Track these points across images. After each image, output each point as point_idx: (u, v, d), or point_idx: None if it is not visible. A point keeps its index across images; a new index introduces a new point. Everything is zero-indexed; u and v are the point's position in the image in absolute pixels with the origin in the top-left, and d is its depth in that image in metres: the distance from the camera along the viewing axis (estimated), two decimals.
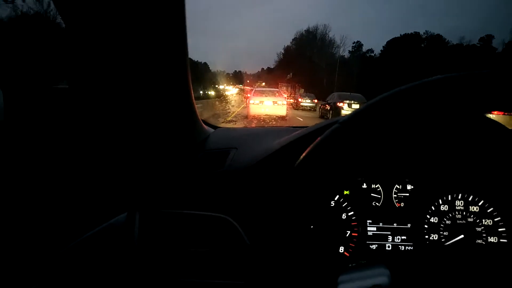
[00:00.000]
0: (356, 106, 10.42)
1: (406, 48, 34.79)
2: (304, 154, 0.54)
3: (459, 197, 0.67)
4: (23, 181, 0.65)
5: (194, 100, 0.69)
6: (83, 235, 0.64)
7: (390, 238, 0.67)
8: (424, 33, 38.96)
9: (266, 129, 0.89)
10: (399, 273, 0.46)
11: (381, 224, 0.67)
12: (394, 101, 0.47)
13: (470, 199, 0.66)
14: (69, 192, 0.69)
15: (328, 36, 51.68)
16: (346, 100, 11.37)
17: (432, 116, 0.53)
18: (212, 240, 0.64)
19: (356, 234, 0.67)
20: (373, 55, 44.45)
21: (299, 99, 20.18)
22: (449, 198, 0.67)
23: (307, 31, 53.92)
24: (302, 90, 31.88)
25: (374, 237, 0.67)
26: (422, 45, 37.30)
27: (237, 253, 0.62)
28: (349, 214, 0.67)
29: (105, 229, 0.66)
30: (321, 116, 14.04)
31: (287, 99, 24.65)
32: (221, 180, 0.66)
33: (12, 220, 0.62)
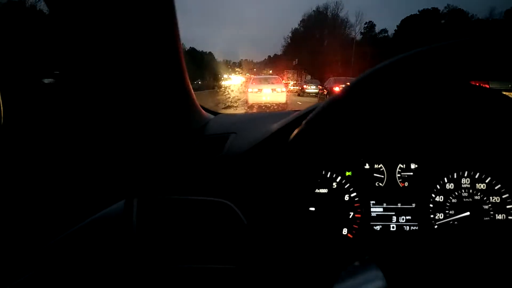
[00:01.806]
0: None
1: (424, 26, 33.03)
2: (297, 130, 0.55)
3: (465, 175, 0.67)
4: (19, 168, 0.65)
5: (191, 87, 0.71)
6: (81, 223, 0.66)
7: (394, 218, 0.68)
8: (445, 7, 36.64)
9: (266, 114, 0.91)
10: (394, 270, 0.45)
11: (385, 205, 0.68)
12: (384, 74, 0.48)
13: (476, 176, 0.67)
14: (66, 180, 0.70)
15: (339, 15, 48.98)
16: (342, 84, 11.71)
17: (430, 90, 0.55)
18: (211, 224, 0.66)
19: (359, 216, 0.68)
20: (387, 35, 42.33)
21: (304, 86, 19.98)
22: (455, 176, 0.67)
23: (317, 10, 51.34)
24: (309, 77, 30.98)
25: (378, 218, 0.68)
26: (443, 21, 35.27)
27: (232, 235, 0.64)
28: (352, 195, 0.68)
29: (103, 217, 0.68)
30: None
31: (293, 85, 24.40)
32: (219, 165, 0.68)
33: (8, 208, 0.63)
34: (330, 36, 45.86)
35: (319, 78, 27.18)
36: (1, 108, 0.60)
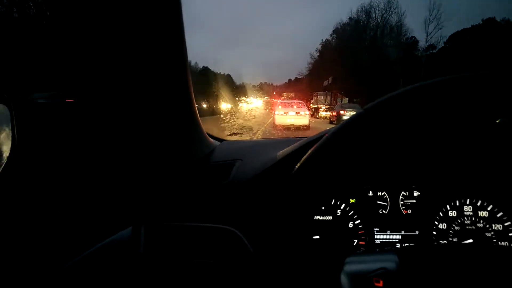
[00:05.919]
0: None
1: (488, 38, 28.89)
2: (301, 160, 0.61)
3: (467, 202, 0.74)
4: (25, 195, 0.71)
5: (198, 114, 0.79)
6: (88, 250, 0.71)
7: (398, 245, 0.75)
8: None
9: (271, 140, 1.01)
10: (408, 262, 0.51)
11: (388, 232, 0.75)
12: (394, 103, 0.52)
13: (478, 204, 0.74)
14: (73, 207, 0.75)
15: (389, 18, 38.11)
16: None
17: (437, 119, 0.60)
18: (217, 251, 0.72)
19: (363, 243, 0.74)
20: (434, 52, 37.65)
21: (341, 112, 16.11)
22: (457, 204, 0.74)
23: (358, 13, 41.11)
24: (345, 100, 27.08)
25: (382, 245, 0.75)
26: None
27: (240, 262, 0.70)
28: (356, 222, 0.75)
29: (110, 244, 0.73)
30: None
31: (325, 111, 20.74)
32: (225, 192, 0.76)
33: (14, 236, 0.68)
34: (376, 46, 38.37)
35: (358, 101, 23.42)
36: (15, 130, 0.63)
